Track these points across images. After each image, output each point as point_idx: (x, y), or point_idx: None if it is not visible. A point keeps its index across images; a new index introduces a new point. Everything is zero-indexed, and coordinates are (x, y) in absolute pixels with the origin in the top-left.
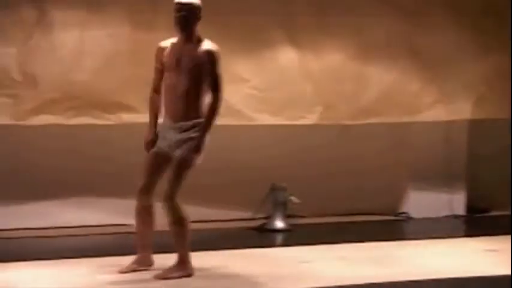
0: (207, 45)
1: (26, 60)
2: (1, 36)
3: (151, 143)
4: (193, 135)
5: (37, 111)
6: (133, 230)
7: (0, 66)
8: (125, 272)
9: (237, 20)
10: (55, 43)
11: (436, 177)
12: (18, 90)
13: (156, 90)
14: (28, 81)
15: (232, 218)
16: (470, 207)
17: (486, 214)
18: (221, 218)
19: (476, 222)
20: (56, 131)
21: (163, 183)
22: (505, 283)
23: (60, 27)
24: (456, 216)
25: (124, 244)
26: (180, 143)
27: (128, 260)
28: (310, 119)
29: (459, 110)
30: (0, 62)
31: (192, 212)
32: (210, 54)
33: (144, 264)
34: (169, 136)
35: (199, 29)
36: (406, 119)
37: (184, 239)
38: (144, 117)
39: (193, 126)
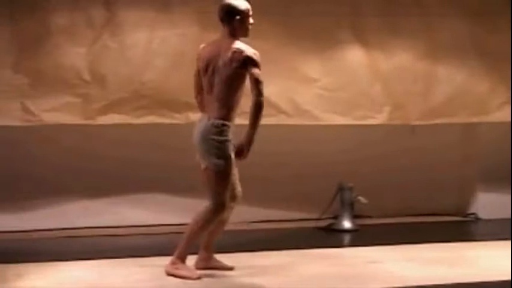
0: None
1: (95, 60)
2: (71, 37)
3: None
4: None
5: (106, 110)
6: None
7: (70, 66)
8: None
9: (306, 21)
10: (124, 43)
11: (506, 178)
12: (87, 89)
13: None
14: (97, 81)
15: (299, 218)
16: None
17: None
18: (288, 218)
19: None
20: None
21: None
22: None
23: (129, 27)
24: None
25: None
26: None
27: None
28: (378, 119)
29: None
30: (70, 62)
31: (260, 212)
32: None
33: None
34: None
35: (269, 29)
36: (474, 119)
37: None
38: None
39: None
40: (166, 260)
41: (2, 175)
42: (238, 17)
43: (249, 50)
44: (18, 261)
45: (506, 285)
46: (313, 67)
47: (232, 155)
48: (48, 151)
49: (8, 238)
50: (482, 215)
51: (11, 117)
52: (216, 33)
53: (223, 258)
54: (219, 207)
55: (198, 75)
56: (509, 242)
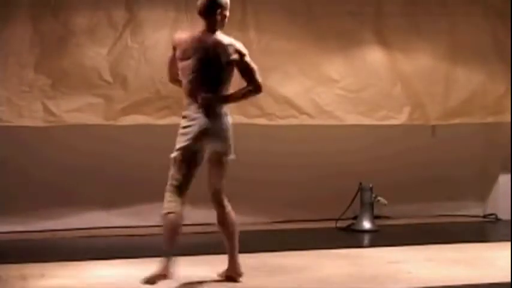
0: None
1: (116, 61)
2: (92, 37)
3: None
4: None
5: (128, 111)
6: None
7: (92, 67)
8: None
9: (328, 22)
10: (145, 43)
11: None
12: (109, 90)
13: None
14: (119, 82)
15: (319, 218)
16: None
17: None
18: (308, 218)
19: None
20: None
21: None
22: None
23: (150, 27)
24: None
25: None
26: None
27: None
28: (398, 119)
29: None
30: (92, 62)
31: (280, 212)
32: None
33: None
34: None
35: (293, 29)
36: (490, 119)
37: None
38: (233, 118)
39: None
40: (187, 260)
41: (23, 177)
42: (219, 11)
43: (238, 42)
44: (42, 260)
45: None
46: (335, 68)
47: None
48: (70, 155)
49: (32, 238)
50: (502, 215)
51: (33, 118)
52: (238, 32)
53: (244, 258)
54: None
55: (174, 62)
56: None
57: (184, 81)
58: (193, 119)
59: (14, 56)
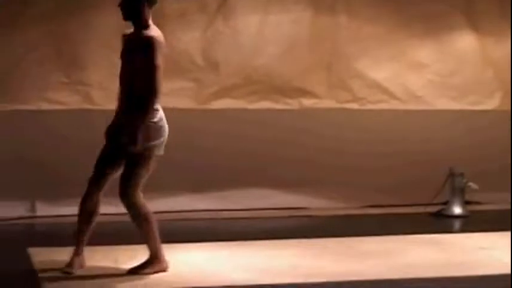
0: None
1: (208, 45)
2: (185, 22)
3: None
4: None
5: (218, 95)
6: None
7: (184, 51)
8: None
9: (418, 6)
10: (237, 28)
11: None
12: (200, 74)
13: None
14: (210, 66)
15: (410, 203)
16: None
17: None
18: (399, 203)
19: None
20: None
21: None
22: None
23: (242, 12)
24: None
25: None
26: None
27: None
28: (489, 105)
29: None
30: (184, 47)
31: (371, 197)
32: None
33: None
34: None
35: (382, 13)
36: None
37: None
38: (324, 103)
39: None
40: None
41: None
42: None
43: None
44: (131, 242)
45: None
46: (424, 52)
47: None
48: None
49: (120, 220)
50: None
51: None
52: (329, 17)
53: (331, 243)
54: None
55: None
56: None
57: None
58: None
59: (102, 40)
